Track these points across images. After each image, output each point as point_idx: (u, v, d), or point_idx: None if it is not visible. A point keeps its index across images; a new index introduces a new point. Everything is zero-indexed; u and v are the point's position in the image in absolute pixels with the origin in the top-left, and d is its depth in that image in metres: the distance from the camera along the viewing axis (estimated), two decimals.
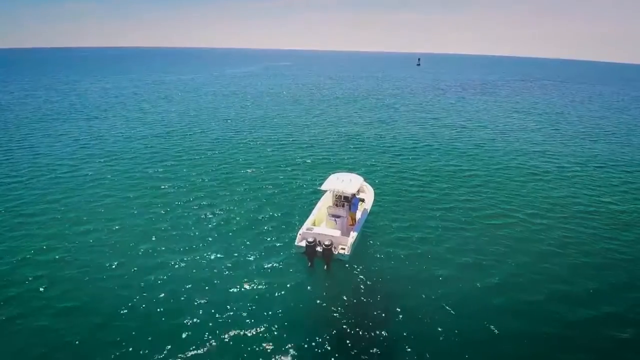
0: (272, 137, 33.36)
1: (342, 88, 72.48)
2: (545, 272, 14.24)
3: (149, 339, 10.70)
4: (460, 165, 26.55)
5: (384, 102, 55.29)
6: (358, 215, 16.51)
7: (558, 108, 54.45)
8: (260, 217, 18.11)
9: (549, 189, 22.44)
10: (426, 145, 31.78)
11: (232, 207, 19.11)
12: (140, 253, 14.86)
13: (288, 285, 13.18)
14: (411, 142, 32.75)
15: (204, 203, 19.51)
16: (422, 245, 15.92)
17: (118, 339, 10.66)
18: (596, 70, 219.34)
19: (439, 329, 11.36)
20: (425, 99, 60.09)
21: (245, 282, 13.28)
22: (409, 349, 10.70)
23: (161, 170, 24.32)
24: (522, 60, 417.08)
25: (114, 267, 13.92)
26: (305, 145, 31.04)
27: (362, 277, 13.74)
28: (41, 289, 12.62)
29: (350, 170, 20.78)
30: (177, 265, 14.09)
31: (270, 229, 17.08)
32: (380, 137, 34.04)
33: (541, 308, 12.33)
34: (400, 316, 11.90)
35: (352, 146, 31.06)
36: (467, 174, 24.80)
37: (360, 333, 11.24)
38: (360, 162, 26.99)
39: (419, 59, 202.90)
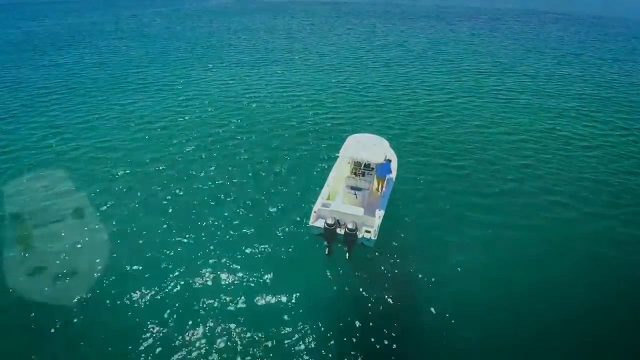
0: (267, 91, 29.68)
1: (341, 22, 66.07)
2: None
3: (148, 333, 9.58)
4: (492, 127, 23.17)
5: (391, 40, 50.25)
6: (385, 184, 14.25)
7: (577, 49, 50.18)
8: (261, 191, 15.86)
9: (607, 164, 19.51)
10: (446, 95, 28.58)
11: (225, 180, 16.66)
12: (114, 237, 13.10)
13: (302, 280, 11.37)
14: (430, 91, 29.46)
15: (193, 174, 16.98)
16: (459, 228, 13.93)
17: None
18: (604, 3, 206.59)
19: (482, 341, 9.87)
20: (434, 34, 54.78)
21: (250, 276, 11.44)
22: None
23: (137, 131, 21.43)
24: None
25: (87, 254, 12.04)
26: (307, 98, 27.76)
27: (390, 270, 11.94)
28: None
29: (359, 130, 18.26)
30: (161, 260, 12.07)
31: (274, 205, 14.87)
32: (391, 84, 30.71)
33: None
34: (435, 318, 10.38)
35: (360, 97, 27.91)
36: (505, 137, 21.73)
37: (392, 337, 9.83)
38: (373, 119, 24.11)
39: None
